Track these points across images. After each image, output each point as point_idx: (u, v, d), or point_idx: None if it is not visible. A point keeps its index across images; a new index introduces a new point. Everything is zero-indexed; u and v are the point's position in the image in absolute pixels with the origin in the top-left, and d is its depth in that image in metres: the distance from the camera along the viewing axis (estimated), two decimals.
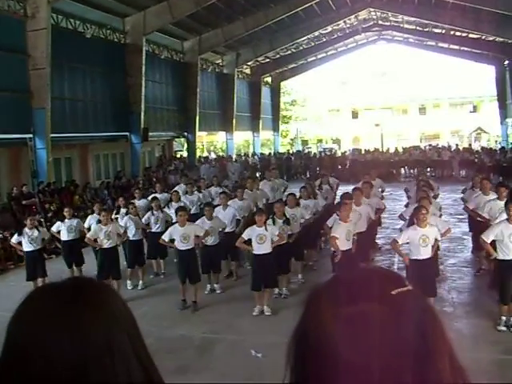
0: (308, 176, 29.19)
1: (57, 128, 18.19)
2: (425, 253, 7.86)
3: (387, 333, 0.80)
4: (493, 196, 9.75)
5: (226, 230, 10.77)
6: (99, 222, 10.35)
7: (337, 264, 8.57)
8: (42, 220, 13.94)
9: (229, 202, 11.50)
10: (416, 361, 0.80)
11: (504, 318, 7.73)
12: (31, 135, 17.46)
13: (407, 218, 9.22)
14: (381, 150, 34.39)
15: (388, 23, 37.53)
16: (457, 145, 34.42)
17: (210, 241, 10.04)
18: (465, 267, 11.16)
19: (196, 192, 13.85)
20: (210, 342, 7.89)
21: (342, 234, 8.62)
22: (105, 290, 1.05)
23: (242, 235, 9.08)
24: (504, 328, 7.67)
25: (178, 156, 32.09)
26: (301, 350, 0.87)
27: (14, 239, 10.65)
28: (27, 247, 10.42)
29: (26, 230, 10.39)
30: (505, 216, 7.79)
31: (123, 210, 11.92)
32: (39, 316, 0.95)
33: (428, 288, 7.84)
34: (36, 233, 10.39)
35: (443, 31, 34.49)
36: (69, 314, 0.95)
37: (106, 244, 10.06)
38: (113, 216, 11.54)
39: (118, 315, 1.00)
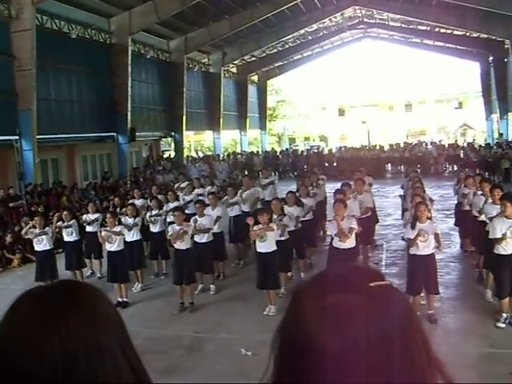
0: (296, 174, 29.28)
1: (43, 129, 18.10)
2: (424, 248, 7.93)
3: (363, 321, 0.84)
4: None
5: (214, 230, 10.69)
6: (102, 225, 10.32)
7: (329, 262, 8.60)
8: (30, 222, 13.85)
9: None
10: (392, 349, 0.83)
11: (505, 315, 7.65)
12: (17, 137, 17.35)
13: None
14: (367, 147, 34.46)
15: (373, 21, 37.65)
16: (440, 141, 34.66)
17: (202, 239, 10.00)
18: (452, 262, 11.26)
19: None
20: (199, 342, 7.91)
21: (333, 232, 8.62)
22: (92, 291, 1.07)
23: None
24: (503, 325, 7.57)
25: (166, 156, 32.01)
26: (283, 340, 0.90)
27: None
28: (36, 247, 10.44)
29: (36, 230, 10.41)
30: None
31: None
32: (28, 318, 0.97)
33: (430, 284, 7.94)
34: (44, 232, 10.34)
35: (428, 28, 34.65)
36: (57, 315, 0.96)
37: (110, 247, 9.94)
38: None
39: (105, 316, 1.02)
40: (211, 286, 10.26)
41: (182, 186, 14.80)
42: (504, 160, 24.35)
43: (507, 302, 7.73)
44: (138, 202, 12.62)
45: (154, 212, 11.52)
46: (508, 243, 7.57)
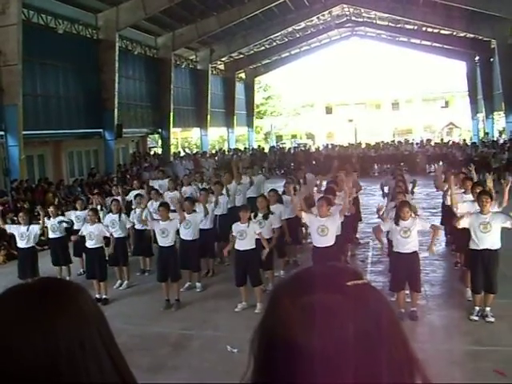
0: (283, 172, 29.28)
1: (29, 125, 17.97)
2: (406, 245, 7.99)
3: (341, 321, 0.84)
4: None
5: (204, 227, 10.67)
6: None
7: (313, 262, 8.55)
8: (15, 218, 13.75)
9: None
10: (370, 348, 0.84)
11: (477, 308, 7.87)
12: (3, 132, 17.21)
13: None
14: (355, 145, 34.48)
15: (361, 19, 37.79)
16: (428, 140, 34.81)
17: (189, 236, 9.95)
18: (437, 260, 11.32)
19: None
20: (185, 339, 7.90)
21: (314, 229, 8.61)
22: (74, 289, 1.05)
23: (232, 231, 9.06)
24: (476, 318, 7.80)
25: (152, 153, 31.88)
26: (262, 340, 0.91)
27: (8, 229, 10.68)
28: (19, 243, 10.33)
29: (21, 226, 10.30)
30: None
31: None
32: (9, 317, 0.96)
33: (413, 282, 8.00)
34: (30, 229, 10.22)
35: (415, 27, 34.85)
36: (39, 313, 0.95)
37: (90, 244, 9.84)
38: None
39: (88, 314, 1.01)
40: (197, 283, 10.23)
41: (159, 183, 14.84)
42: (495, 159, 24.47)
43: (480, 296, 7.91)
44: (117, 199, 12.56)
45: (138, 211, 11.46)
46: (480, 238, 7.73)
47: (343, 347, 0.83)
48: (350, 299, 0.86)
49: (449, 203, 10.34)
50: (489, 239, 7.70)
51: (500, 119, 34.93)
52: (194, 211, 10.16)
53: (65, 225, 11.17)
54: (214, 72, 38.18)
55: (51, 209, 11.33)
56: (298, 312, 0.86)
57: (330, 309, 0.85)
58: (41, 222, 10.54)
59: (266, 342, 0.89)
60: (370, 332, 0.84)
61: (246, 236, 8.75)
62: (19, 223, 10.54)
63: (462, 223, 7.92)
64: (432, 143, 32.77)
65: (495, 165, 24.18)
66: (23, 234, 10.21)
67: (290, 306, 0.87)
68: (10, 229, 10.65)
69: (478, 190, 8.58)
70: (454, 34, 33.56)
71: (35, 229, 10.30)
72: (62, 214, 11.64)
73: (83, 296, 1.04)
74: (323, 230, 8.43)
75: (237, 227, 8.87)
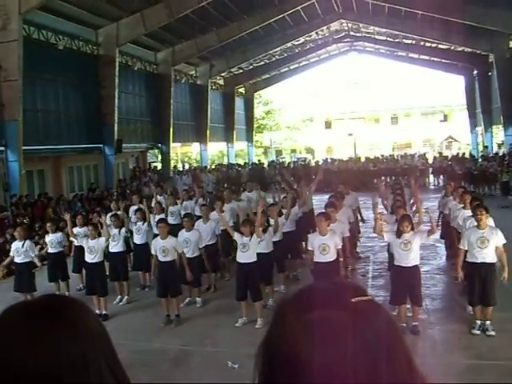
0: (282, 186, 29.24)
1: (29, 140, 18.00)
2: (406, 258, 7.98)
3: (346, 336, 0.84)
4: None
5: (207, 242, 10.66)
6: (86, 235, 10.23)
7: (313, 277, 8.55)
8: (15, 234, 13.73)
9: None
10: (375, 364, 0.84)
11: (478, 322, 7.87)
12: (3, 148, 17.23)
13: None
14: (354, 159, 34.53)
15: (359, 34, 37.99)
16: (425, 153, 34.92)
17: (190, 254, 9.92)
18: (438, 274, 11.31)
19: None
20: (185, 355, 7.86)
21: (315, 246, 8.60)
22: (77, 306, 1.05)
23: (234, 237, 9.05)
24: (478, 332, 7.79)
25: (152, 167, 31.90)
26: (267, 355, 0.91)
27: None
28: (15, 258, 10.33)
29: (17, 242, 10.33)
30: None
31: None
32: (13, 334, 0.96)
33: (414, 296, 7.99)
34: (25, 245, 10.23)
35: (413, 42, 35.06)
36: (43, 331, 0.95)
37: (90, 259, 9.83)
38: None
39: (92, 330, 1.01)
40: (197, 298, 10.21)
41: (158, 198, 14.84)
42: (503, 173, 24.36)
43: (479, 309, 7.92)
44: (117, 214, 12.55)
45: (138, 224, 11.46)
46: (477, 252, 7.76)
47: (347, 364, 0.83)
48: (354, 316, 0.87)
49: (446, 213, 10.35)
50: (486, 254, 7.73)
51: (499, 133, 35.02)
52: (195, 230, 10.21)
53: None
54: (214, 87, 38.34)
55: (49, 224, 11.38)
56: (302, 328, 0.86)
57: (334, 325, 0.86)
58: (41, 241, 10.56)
59: (271, 358, 0.90)
60: (373, 348, 0.85)
61: (248, 249, 8.76)
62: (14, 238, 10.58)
63: (466, 244, 7.92)
64: (428, 156, 32.83)
65: (505, 178, 23.92)
66: (18, 250, 10.24)
67: (294, 322, 0.88)
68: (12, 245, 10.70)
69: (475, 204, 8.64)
70: (452, 48, 33.76)
71: (31, 245, 10.33)
72: (61, 230, 11.66)
73: (86, 313, 1.05)
74: (324, 249, 8.43)
75: (240, 239, 8.87)
